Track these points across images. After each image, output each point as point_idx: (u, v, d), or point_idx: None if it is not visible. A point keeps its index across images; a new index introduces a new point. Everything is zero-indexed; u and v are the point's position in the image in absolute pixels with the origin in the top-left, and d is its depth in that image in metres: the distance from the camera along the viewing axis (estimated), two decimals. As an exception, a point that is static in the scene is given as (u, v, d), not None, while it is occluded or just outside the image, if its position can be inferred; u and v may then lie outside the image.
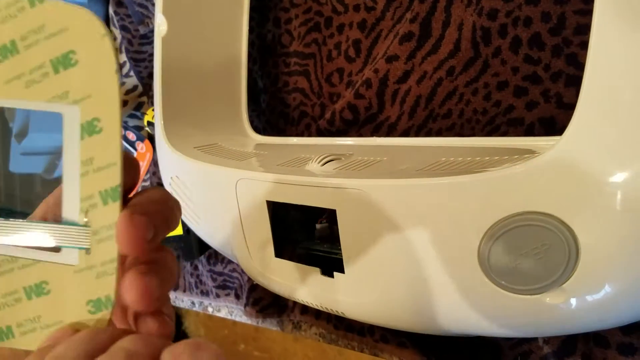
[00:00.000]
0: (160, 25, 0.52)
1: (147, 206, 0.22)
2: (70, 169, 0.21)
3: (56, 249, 0.22)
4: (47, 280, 0.22)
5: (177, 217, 0.24)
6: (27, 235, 0.21)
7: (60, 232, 0.21)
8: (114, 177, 0.21)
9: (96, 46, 0.20)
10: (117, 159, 0.21)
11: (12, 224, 0.22)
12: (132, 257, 0.23)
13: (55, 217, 0.23)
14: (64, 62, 0.21)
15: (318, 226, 0.47)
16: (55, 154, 0.87)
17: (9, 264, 0.22)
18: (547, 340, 0.38)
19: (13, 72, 0.21)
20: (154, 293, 0.21)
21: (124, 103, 0.79)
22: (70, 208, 0.21)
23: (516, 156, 0.33)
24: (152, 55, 0.76)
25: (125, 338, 0.20)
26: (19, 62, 0.21)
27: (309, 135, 0.56)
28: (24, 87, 0.21)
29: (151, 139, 0.76)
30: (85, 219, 0.21)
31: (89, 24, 0.20)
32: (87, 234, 0.21)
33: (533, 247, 0.29)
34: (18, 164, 0.88)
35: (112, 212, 0.21)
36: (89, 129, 0.21)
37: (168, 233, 0.23)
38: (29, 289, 0.22)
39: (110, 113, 0.21)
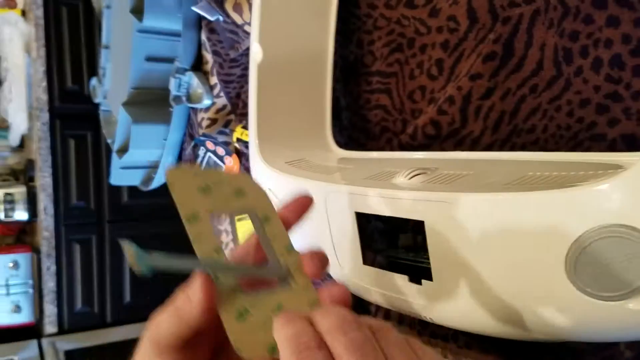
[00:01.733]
0: (256, 53, 0.57)
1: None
2: (266, 240, 0.35)
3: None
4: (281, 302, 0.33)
5: None
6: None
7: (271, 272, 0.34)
8: (287, 239, 0.35)
9: (264, 199, 0.37)
10: (285, 235, 0.36)
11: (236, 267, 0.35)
12: None
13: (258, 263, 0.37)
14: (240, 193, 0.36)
15: (402, 236, 0.50)
16: (152, 168, 0.95)
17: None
18: (629, 345, 0.39)
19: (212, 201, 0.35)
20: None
21: (214, 121, 0.85)
22: (272, 260, 0.34)
23: (600, 171, 0.35)
24: (240, 77, 0.82)
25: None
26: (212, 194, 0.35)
27: (390, 149, 0.59)
28: (223, 201, 0.35)
29: (238, 153, 0.82)
30: (284, 265, 0.34)
31: (258, 191, 0.37)
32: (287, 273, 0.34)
33: (618, 257, 0.31)
34: (118, 177, 0.96)
35: (294, 255, 0.35)
36: (265, 221, 0.35)
37: None
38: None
39: (275, 220, 0.36)
